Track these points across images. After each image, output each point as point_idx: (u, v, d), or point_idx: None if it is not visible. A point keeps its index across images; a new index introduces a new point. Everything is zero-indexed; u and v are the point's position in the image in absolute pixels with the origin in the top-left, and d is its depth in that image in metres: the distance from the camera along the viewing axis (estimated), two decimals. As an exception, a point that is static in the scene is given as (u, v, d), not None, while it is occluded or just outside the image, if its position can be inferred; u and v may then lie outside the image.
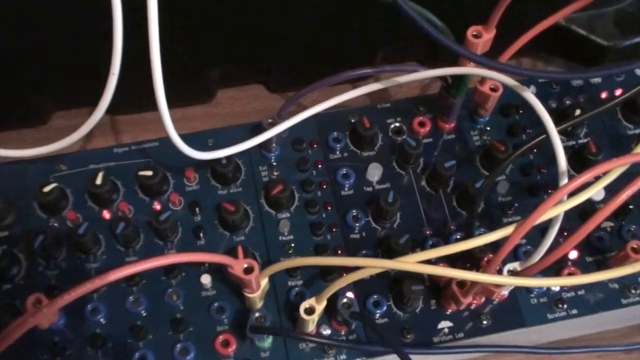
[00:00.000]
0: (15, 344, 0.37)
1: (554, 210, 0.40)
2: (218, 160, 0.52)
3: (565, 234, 0.52)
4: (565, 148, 0.55)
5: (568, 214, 0.41)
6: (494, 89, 0.52)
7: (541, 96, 0.55)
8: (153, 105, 0.44)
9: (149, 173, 0.51)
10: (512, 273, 0.45)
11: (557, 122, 0.48)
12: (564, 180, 0.43)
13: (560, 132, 0.47)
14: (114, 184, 0.52)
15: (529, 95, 0.46)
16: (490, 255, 0.48)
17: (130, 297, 0.49)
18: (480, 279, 0.40)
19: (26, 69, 0.55)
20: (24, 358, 0.47)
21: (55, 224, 0.51)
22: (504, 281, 0.41)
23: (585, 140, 0.56)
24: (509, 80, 0.47)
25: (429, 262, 0.40)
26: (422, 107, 0.57)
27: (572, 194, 0.40)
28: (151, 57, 0.39)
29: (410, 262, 0.40)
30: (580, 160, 0.55)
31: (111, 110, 0.62)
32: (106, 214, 0.52)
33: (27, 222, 0.51)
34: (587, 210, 0.53)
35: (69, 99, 0.62)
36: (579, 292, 0.52)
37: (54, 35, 0.52)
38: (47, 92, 0.60)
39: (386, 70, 0.50)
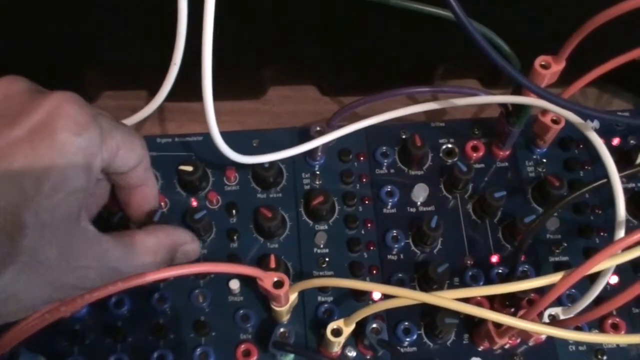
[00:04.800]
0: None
1: (607, 262, 0.37)
2: (261, 164, 0.50)
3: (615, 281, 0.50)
4: (624, 190, 0.52)
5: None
6: (555, 121, 0.49)
7: (604, 132, 0.54)
8: (202, 96, 0.43)
9: (190, 168, 0.50)
10: (553, 319, 0.43)
11: (618, 163, 0.45)
12: (621, 231, 0.41)
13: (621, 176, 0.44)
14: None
15: (594, 135, 0.43)
16: (532, 295, 0.46)
17: (156, 294, 0.48)
18: (520, 325, 0.38)
19: (83, 46, 0.55)
20: (43, 343, 0.46)
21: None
22: (545, 331, 0.39)
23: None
24: (573, 117, 0.44)
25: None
26: (478, 130, 0.55)
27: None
28: (202, 66, 0.38)
29: (447, 299, 0.38)
30: (638, 205, 0.52)
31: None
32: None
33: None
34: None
35: (120, 80, 0.61)
36: (621, 344, 0.49)
37: (114, 16, 0.51)
38: (100, 70, 0.59)
39: (446, 91, 0.48)
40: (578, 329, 0.47)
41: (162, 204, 0.51)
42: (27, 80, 0.38)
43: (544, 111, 0.50)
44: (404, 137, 0.54)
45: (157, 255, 0.43)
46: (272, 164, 0.51)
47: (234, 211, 0.51)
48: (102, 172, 0.41)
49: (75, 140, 0.36)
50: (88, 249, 0.38)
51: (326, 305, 0.49)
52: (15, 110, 0.36)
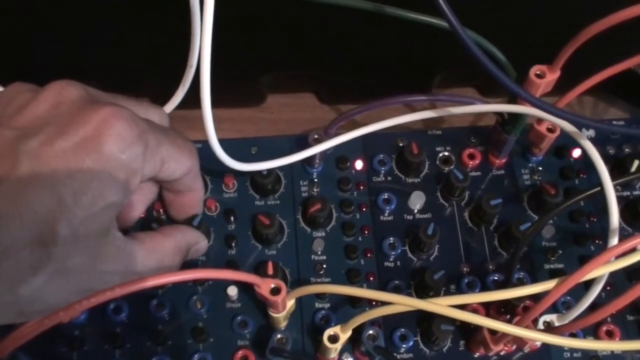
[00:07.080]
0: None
1: (600, 269, 0.38)
2: (259, 171, 0.51)
3: (609, 288, 0.50)
4: (619, 198, 0.52)
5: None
6: (550, 130, 0.50)
7: (599, 141, 0.54)
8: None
9: (188, 176, 0.50)
10: (548, 326, 0.43)
11: (613, 172, 0.46)
12: (615, 238, 0.41)
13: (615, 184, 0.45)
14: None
15: (588, 145, 0.43)
16: (528, 302, 0.46)
17: (154, 300, 0.48)
18: (513, 331, 0.38)
19: (82, 56, 0.55)
20: (42, 349, 0.47)
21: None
22: (539, 338, 0.39)
23: (641, 193, 0.54)
24: (568, 126, 0.44)
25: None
26: (474, 138, 0.55)
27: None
28: (201, 74, 0.38)
29: (442, 305, 0.38)
30: (633, 213, 0.52)
31: (162, 103, 0.62)
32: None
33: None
34: (635, 267, 0.50)
35: (121, 89, 0.62)
36: (616, 351, 0.49)
37: (113, 24, 0.51)
38: (100, 79, 0.59)
39: (443, 99, 0.49)
40: (573, 335, 0.48)
41: (161, 211, 0.51)
42: (81, 86, 0.39)
43: (540, 120, 0.50)
44: (401, 144, 0.55)
45: (175, 258, 0.45)
46: (270, 171, 0.51)
47: (232, 218, 0.52)
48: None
49: (118, 156, 0.37)
50: (115, 255, 0.39)
51: (323, 311, 0.49)
52: (64, 120, 0.36)
